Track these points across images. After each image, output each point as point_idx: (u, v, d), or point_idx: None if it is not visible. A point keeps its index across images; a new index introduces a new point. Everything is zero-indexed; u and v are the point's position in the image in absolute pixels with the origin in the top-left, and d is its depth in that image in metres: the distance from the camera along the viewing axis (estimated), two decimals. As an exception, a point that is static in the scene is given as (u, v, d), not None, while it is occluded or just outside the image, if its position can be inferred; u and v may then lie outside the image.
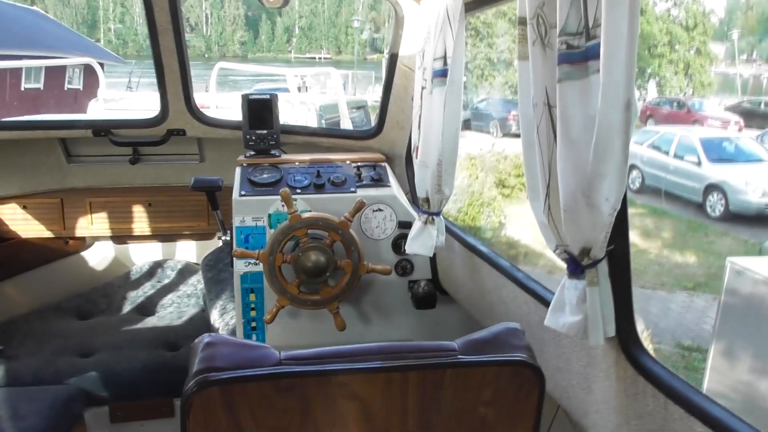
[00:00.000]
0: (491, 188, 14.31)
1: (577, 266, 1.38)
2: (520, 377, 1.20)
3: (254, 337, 2.65)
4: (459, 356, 1.19)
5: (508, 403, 1.22)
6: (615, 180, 1.24)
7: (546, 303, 1.77)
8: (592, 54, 1.25)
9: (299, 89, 9.00)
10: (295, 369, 1.14)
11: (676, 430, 1.25)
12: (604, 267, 1.36)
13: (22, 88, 19.22)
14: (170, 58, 2.92)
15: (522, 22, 1.46)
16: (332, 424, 1.17)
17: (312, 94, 9.58)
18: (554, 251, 1.46)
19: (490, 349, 1.23)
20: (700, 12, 26.99)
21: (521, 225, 14.30)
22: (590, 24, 1.24)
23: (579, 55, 1.27)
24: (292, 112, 6.49)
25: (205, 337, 1.20)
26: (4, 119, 3.94)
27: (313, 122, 6.57)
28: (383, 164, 2.90)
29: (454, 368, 1.18)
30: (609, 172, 1.24)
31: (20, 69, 18.49)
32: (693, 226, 11.78)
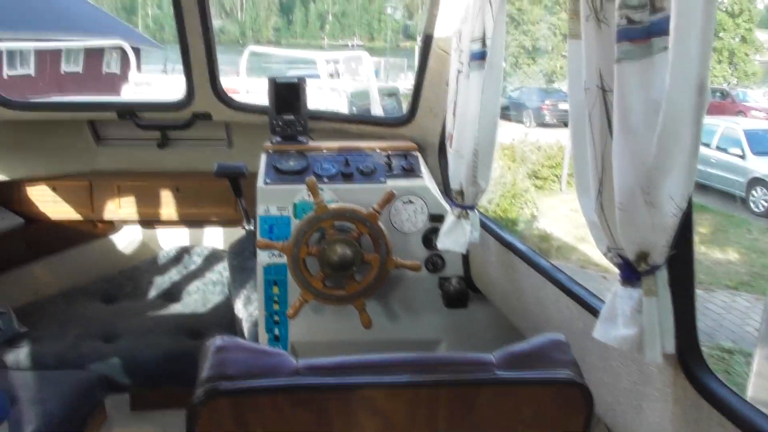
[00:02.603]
0: (524, 179, 14.06)
1: (632, 272, 1.23)
2: (565, 397, 1.07)
3: (276, 331, 2.55)
4: (497, 372, 1.06)
5: (550, 424, 1.08)
6: (682, 175, 1.09)
7: (590, 309, 1.62)
8: (658, 29, 1.09)
9: (331, 76, 8.89)
10: (314, 381, 1.03)
11: None
12: (663, 274, 1.20)
13: (62, 72, 19.59)
14: (196, 39, 2.83)
15: None
16: None
17: (343, 81, 9.48)
18: (605, 254, 1.31)
19: (532, 363, 1.09)
20: (745, -2, 26.00)
21: (554, 217, 14.04)
22: None
23: (641, 31, 1.12)
24: (323, 99, 6.39)
25: (217, 340, 1.10)
26: (34, 100, 3.94)
27: (343, 109, 6.46)
28: (415, 153, 2.76)
29: (491, 385, 1.05)
30: (675, 166, 1.08)
31: (60, 52, 18.84)
32: (735, 221, 11.37)
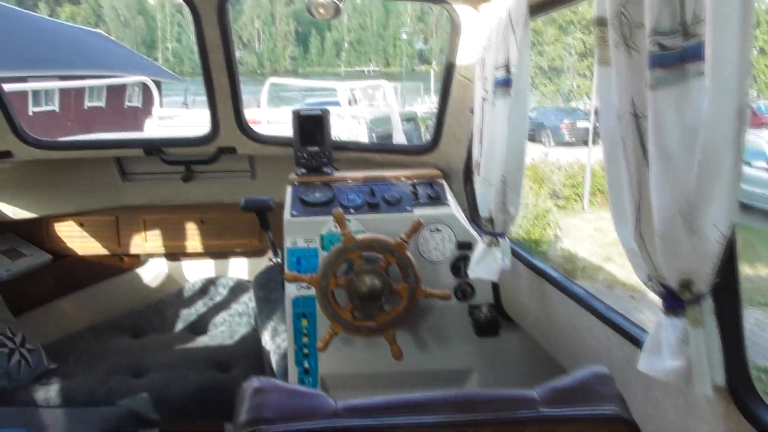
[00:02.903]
0: (545, 199, 13.96)
1: (675, 301, 1.20)
2: None
3: (306, 364, 2.53)
4: (540, 408, 1.03)
5: None
6: (725, 202, 1.06)
7: (630, 337, 1.58)
8: (692, 55, 1.07)
9: (349, 102, 8.97)
10: (354, 422, 1.00)
11: None
12: (708, 303, 1.17)
13: (86, 107, 20.07)
14: (220, 75, 2.87)
15: (601, 22, 1.29)
16: None
17: (361, 107, 9.55)
18: (646, 283, 1.28)
19: (576, 398, 1.06)
20: (763, 10, 25.78)
21: (577, 237, 13.87)
22: (688, 20, 1.07)
23: (674, 57, 1.10)
24: (343, 126, 6.43)
25: (254, 381, 1.09)
26: (61, 139, 4.02)
27: (363, 135, 6.49)
28: (440, 181, 2.74)
29: (535, 423, 1.02)
30: (718, 192, 1.05)
31: (83, 88, 19.34)
32: (764, 236, 11.12)
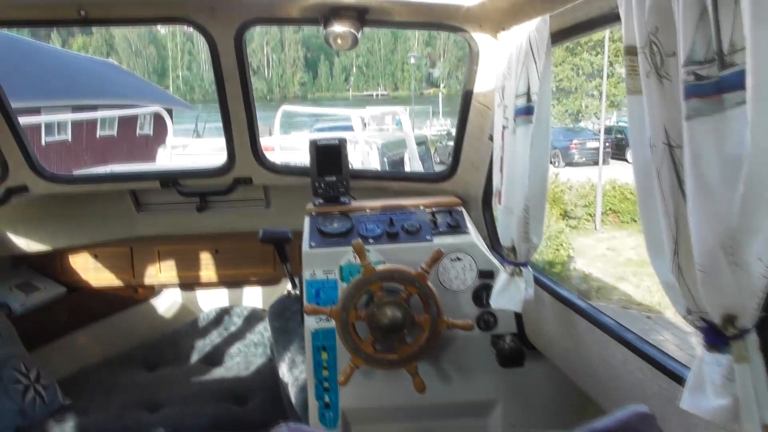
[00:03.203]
0: (557, 220, 13.89)
1: (718, 337, 1.15)
2: None
3: (327, 398, 2.47)
4: None
5: None
6: None
7: (666, 371, 1.52)
8: (730, 84, 1.04)
9: (363, 127, 9.00)
10: None
11: None
12: (753, 338, 1.12)
13: (98, 136, 20.30)
14: (237, 105, 2.86)
15: (631, 51, 1.27)
16: None
17: (371, 132, 9.57)
18: (685, 317, 1.23)
19: None
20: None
21: (591, 257, 13.76)
22: (725, 49, 1.04)
23: (711, 87, 1.07)
24: (355, 151, 6.45)
25: (282, 428, 1.05)
26: (77, 172, 4.05)
27: (375, 160, 6.49)
28: (459, 209, 2.71)
29: None
30: (762, 225, 1.01)
31: (95, 118, 19.58)
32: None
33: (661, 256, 1.26)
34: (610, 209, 15.89)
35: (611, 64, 21.93)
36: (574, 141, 22.36)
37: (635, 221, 15.61)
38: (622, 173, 17.74)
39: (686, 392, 1.21)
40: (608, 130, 21.26)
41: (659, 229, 1.24)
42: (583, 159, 21.42)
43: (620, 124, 26.25)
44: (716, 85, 1.06)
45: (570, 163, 21.50)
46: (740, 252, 1.05)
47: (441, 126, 31.72)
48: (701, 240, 1.10)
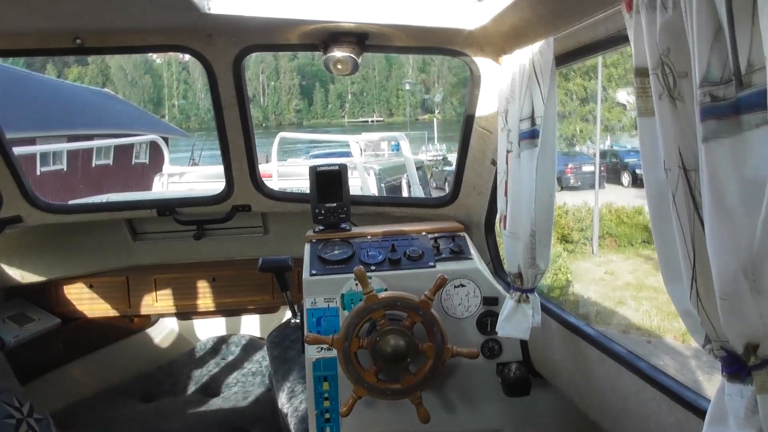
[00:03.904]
0: (555, 244, 13.87)
1: (740, 367, 1.10)
2: None
3: (328, 430, 2.40)
4: None
5: None
6: None
7: (683, 402, 1.47)
8: (748, 105, 1.01)
9: (360, 153, 9.02)
10: None
11: None
12: None
13: (93, 165, 20.31)
14: (235, 133, 2.84)
15: (641, 73, 1.25)
16: None
17: (367, 157, 9.59)
18: (704, 346, 1.19)
19: None
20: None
21: (589, 281, 13.72)
22: (743, 69, 1.01)
23: (728, 108, 1.04)
24: (353, 177, 6.44)
25: None
26: (72, 202, 4.00)
27: (374, 186, 6.48)
28: (462, 234, 2.67)
29: None
30: None
31: (91, 147, 19.61)
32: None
33: (677, 282, 1.22)
34: (607, 233, 15.92)
35: (604, 89, 22.15)
36: (570, 165, 22.46)
37: (632, 245, 15.63)
38: (617, 197, 17.80)
39: (706, 425, 1.16)
40: (603, 154, 21.40)
41: (675, 255, 1.20)
42: (579, 183, 21.51)
43: (614, 148, 26.43)
44: (734, 105, 1.04)
45: (566, 187, 21.57)
46: (763, 278, 1.02)
47: (437, 151, 31.89)
48: (721, 266, 1.06)
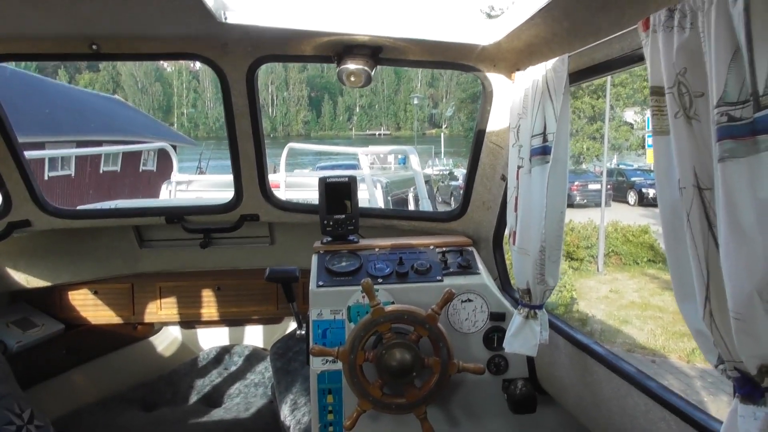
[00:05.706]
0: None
1: (754, 388, 1.09)
2: None
3: None
4: None
5: None
6: None
7: (694, 423, 1.45)
8: (765, 126, 1.01)
9: (370, 166, 9.03)
10: None
11: None
12: None
13: (101, 171, 20.41)
14: (246, 142, 2.84)
15: (657, 92, 1.24)
16: None
17: (374, 170, 9.59)
18: (717, 367, 1.17)
19: None
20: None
21: (594, 299, 13.62)
22: (760, 90, 1.01)
23: (745, 128, 1.04)
24: (360, 189, 6.43)
25: None
26: (81, 207, 4.00)
27: (380, 198, 6.48)
28: (470, 248, 2.66)
29: None
30: None
31: (99, 154, 19.72)
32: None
33: (690, 302, 1.21)
34: (613, 251, 15.83)
35: (612, 107, 22.18)
36: (576, 183, 22.47)
37: (637, 263, 15.53)
38: (623, 215, 17.73)
39: None
40: (609, 173, 21.41)
41: (688, 274, 1.19)
42: (585, 200, 21.50)
43: (621, 166, 26.41)
44: (750, 126, 1.04)
45: (572, 205, 21.54)
46: None
47: (443, 166, 31.94)
48: (736, 286, 1.06)
